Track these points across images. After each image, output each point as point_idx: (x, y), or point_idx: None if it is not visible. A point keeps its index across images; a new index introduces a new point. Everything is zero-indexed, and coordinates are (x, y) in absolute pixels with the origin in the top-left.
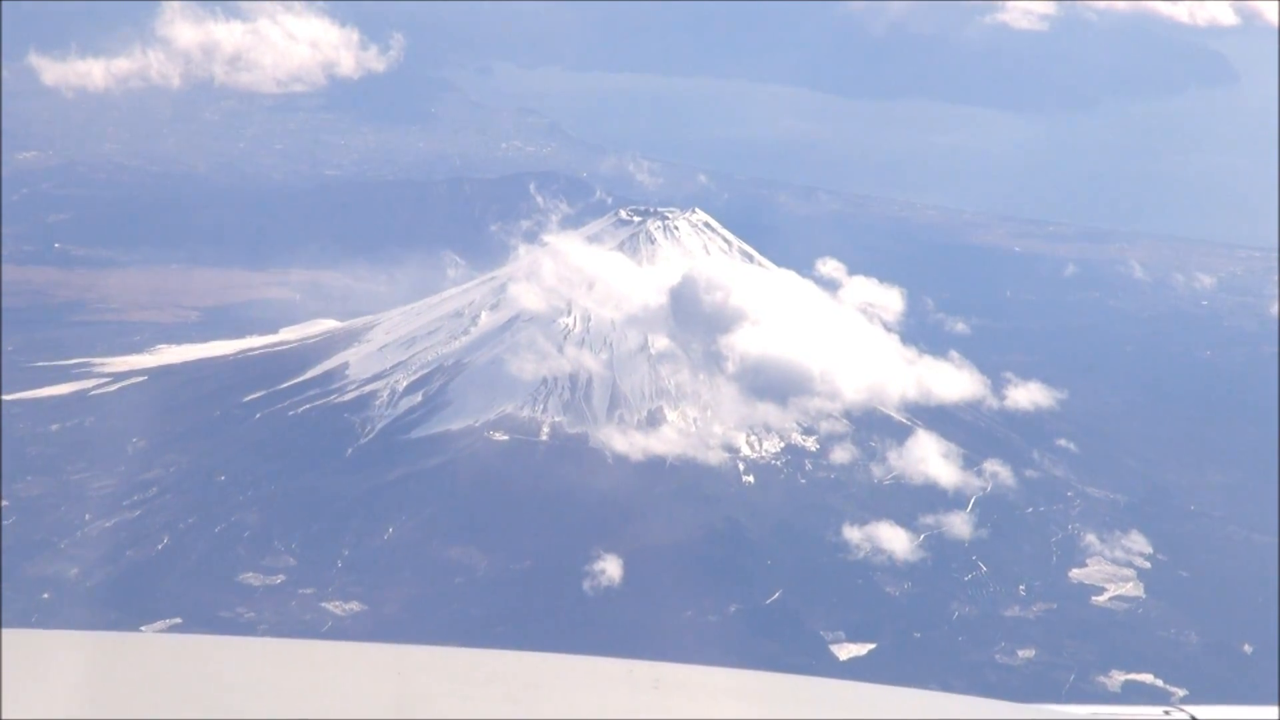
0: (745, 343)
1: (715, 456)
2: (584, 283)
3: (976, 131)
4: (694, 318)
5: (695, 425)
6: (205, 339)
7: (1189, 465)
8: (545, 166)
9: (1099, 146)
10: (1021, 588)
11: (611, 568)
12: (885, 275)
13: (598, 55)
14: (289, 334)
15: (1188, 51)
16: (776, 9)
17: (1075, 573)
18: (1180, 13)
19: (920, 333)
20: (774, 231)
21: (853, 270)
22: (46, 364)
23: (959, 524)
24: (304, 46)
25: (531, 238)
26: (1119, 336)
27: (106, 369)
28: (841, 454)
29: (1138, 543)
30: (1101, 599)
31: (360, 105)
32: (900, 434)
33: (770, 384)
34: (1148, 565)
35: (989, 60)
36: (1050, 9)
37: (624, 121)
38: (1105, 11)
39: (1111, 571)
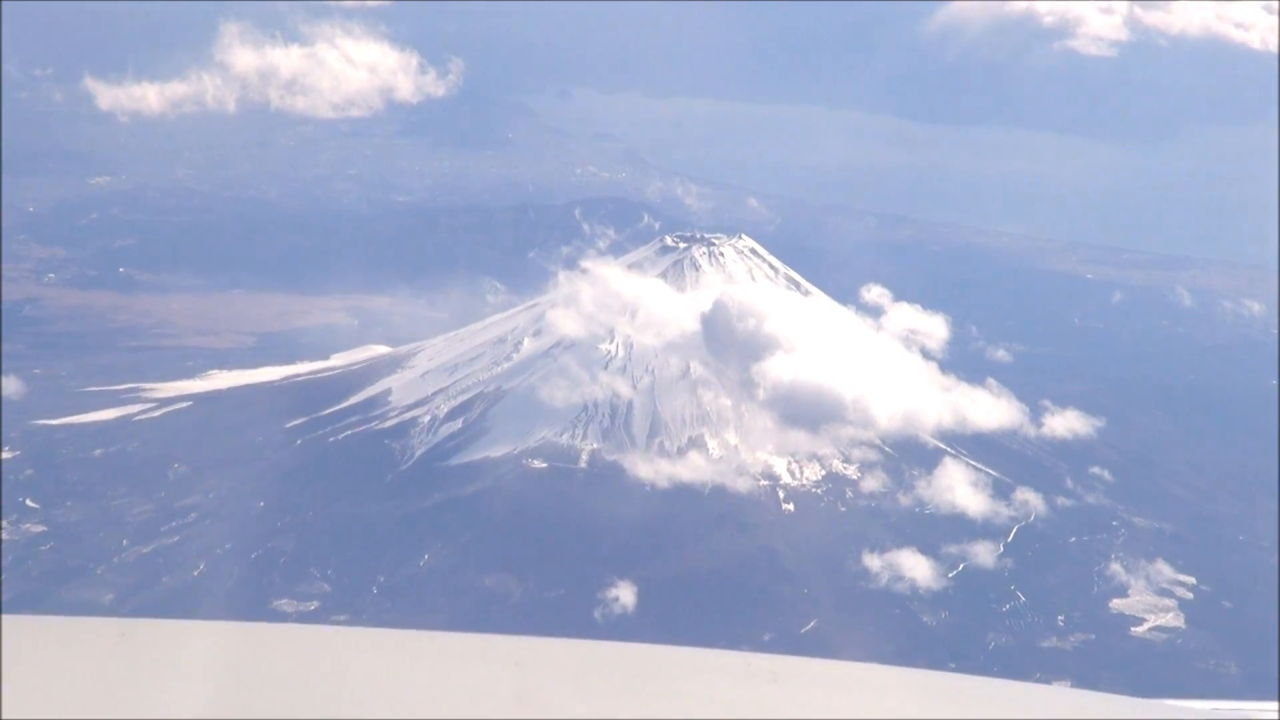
0: (777, 370)
1: (755, 484)
2: (626, 309)
3: (1053, 158)
4: (726, 345)
5: (737, 453)
6: (258, 364)
7: (1240, 495)
8: (615, 193)
9: (1180, 173)
10: (1060, 618)
11: (647, 596)
12: (946, 302)
13: (678, 81)
14: (339, 360)
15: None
16: (854, 37)
17: (1116, 603)
18: (1252, 40)
19: (974, 361)
20: (834, 258)
21: (900, 296)
22: (98, 389)
23: (999, 554)
24: (362, 71)
25: (585, 264)
26: (1182, 365)
27: (155, 394)
28: (880, 482)
29: (1181, 573)
30: (1141, 629)
31: (437, 131)
32: (939, 463)
33: (805, 412)
34: (1190, 596)
35: (1063, 86)
36: (1120, 36)
37: (701, 148)
38: (1177, 39)
39: (1153, 602)
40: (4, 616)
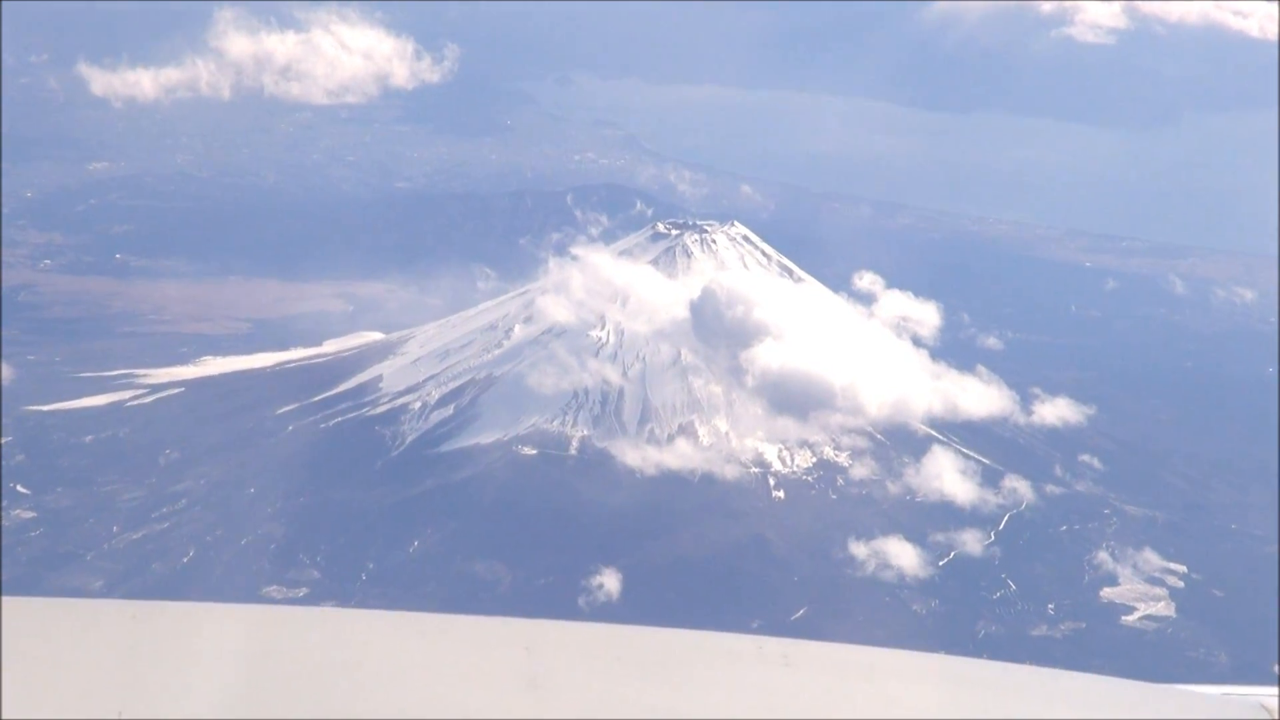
0: (767, 357)
1: (746, 471)
2: (617, 296)
3: (1051, 145)
4: (715, 332)
5: (727, 440)
6: (252, 350)
7: (1234, 484)
8: (612, 179)
9: (1179, 161)
10: (1050, 606)
11: (637, 583)
12: (941, 290)
13: (679, 67)
14: (331, 346)
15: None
16: (854, 24)
17: (1107, 591)
18: (1251, 28)
19: (965, 348)
20: (829, 245)
21: (894, 284)
22: (91, 375)
23: (989, 542)
24: (357, 57)
25: (576, 251)
26: (1179, 353)
27: (147, 380)
28: (870, 470)
29: (1172, 561)
30: (1131, 618)
31: (436, 117)
32: (929, 450)
33: (794, 399)
34: (1181, 584)
35: (1062, 74)
36: (1119, 23)
37: (701, 134)
38: (1175, 26)
39: (1143, 590)
40: (4, 599)
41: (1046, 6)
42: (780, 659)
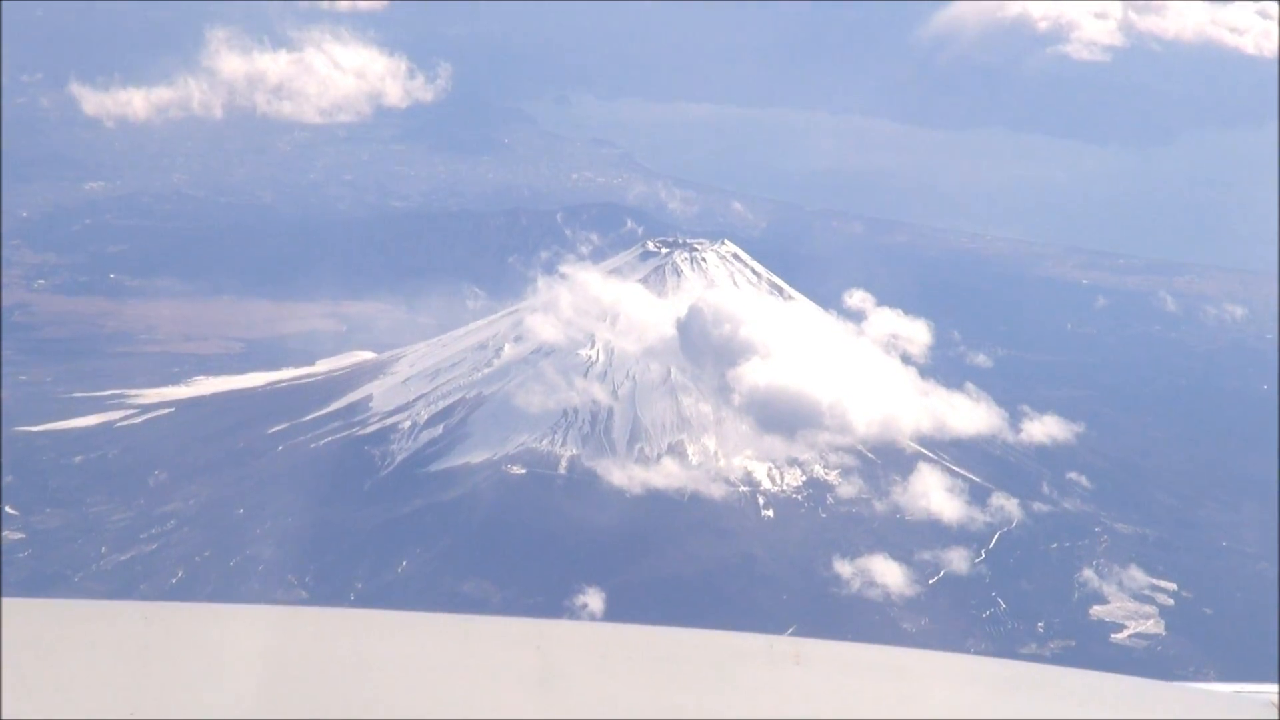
0: (754, 375)
1: (735, 490)
2: (606, 315)
3: (1048, 162)
4: (702, 350)
5: (716, 459)
6: (244, 370)
7: (1224, 501)
8: (606, 198)
9: (1175, 177)
10: (1040, 624)
11: (627, 603)
12: (935, 308)
13: (677, 86)
14: (323, 365)
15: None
16: (851, 42)
17: (1096, 609)
18: (1246, 44)
19: (954, 366)
20: (821, 263)
21: (886, 302)
22: (82, 395)
23: (979, 560)
24: (350, 76)
25: (566, 270)
26: (1174, 370)
27: (138, 400)
28: (859, 488)
29: (1163, 579)
30: (1121, 636)
31: (434, 136)
32: (917, 468)
33: (782, 417)
34: (1171, 602)
35: (1058, 91)
36: (1115, 40)
37: (698, 152)
38: (1171, 43)
39: (1133, 608)
40: (4, 600)
41: (1042, 23)
42: (791, 658)
